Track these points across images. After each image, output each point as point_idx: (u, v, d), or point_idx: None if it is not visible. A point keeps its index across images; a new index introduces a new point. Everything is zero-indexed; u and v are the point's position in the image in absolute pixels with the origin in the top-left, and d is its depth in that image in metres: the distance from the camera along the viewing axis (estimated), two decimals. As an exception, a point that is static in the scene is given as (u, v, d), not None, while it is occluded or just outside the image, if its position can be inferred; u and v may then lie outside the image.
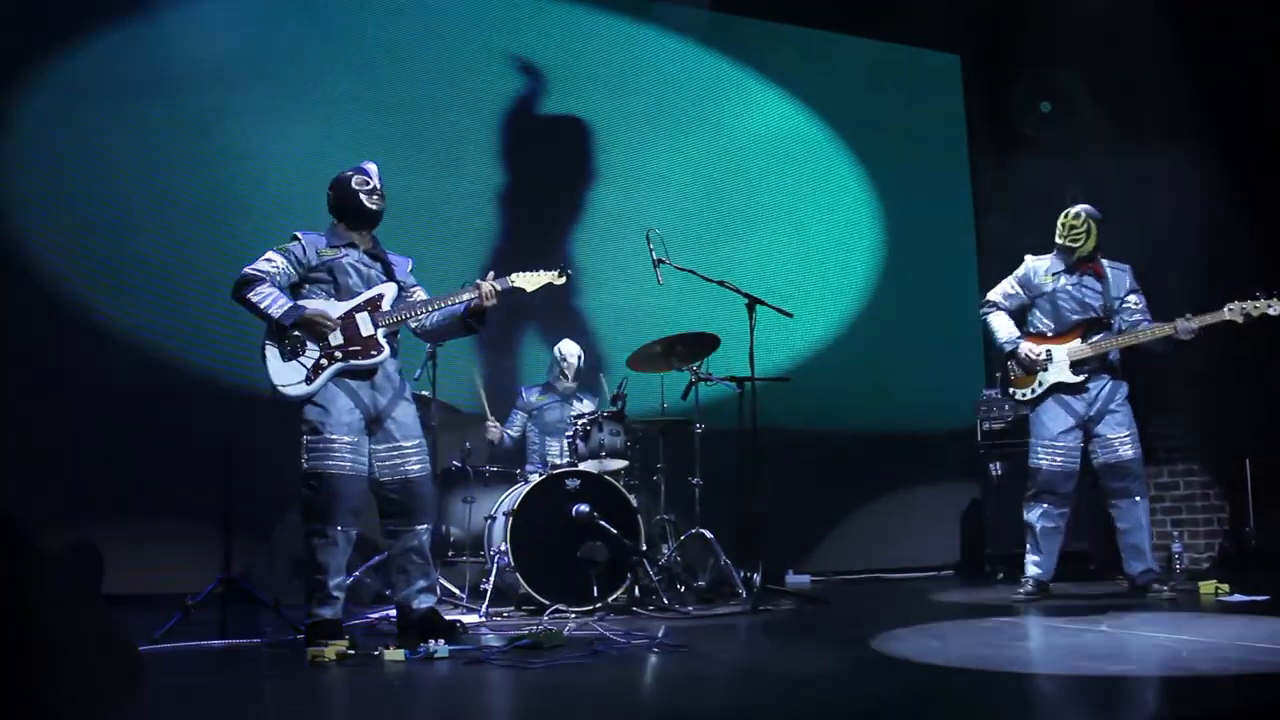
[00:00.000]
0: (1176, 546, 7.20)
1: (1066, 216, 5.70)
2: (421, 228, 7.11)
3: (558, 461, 6.23)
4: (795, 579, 7.34)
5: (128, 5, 6.69)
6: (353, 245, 4.58)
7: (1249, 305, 5.27)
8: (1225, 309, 5.32)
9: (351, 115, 7.14)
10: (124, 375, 6.42)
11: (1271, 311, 5.25)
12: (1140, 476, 5.59)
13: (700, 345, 6.05)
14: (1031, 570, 5.61)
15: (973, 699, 3.07)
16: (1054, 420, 5.60)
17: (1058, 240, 5.71)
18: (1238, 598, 5.22)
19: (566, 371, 6.70)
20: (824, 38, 8.75)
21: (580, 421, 5.96)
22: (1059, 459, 5.57)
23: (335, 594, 4.33)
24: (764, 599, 5.48)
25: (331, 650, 3.93)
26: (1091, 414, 5.59)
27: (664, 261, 5.77)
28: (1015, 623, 4.67)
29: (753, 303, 5.69)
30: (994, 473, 7.11)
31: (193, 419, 6.29)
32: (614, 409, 5.99)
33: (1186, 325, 5.35)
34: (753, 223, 8.35)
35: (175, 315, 6.61)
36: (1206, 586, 5.45)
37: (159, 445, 6.35)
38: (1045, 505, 5.60)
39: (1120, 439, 5.56)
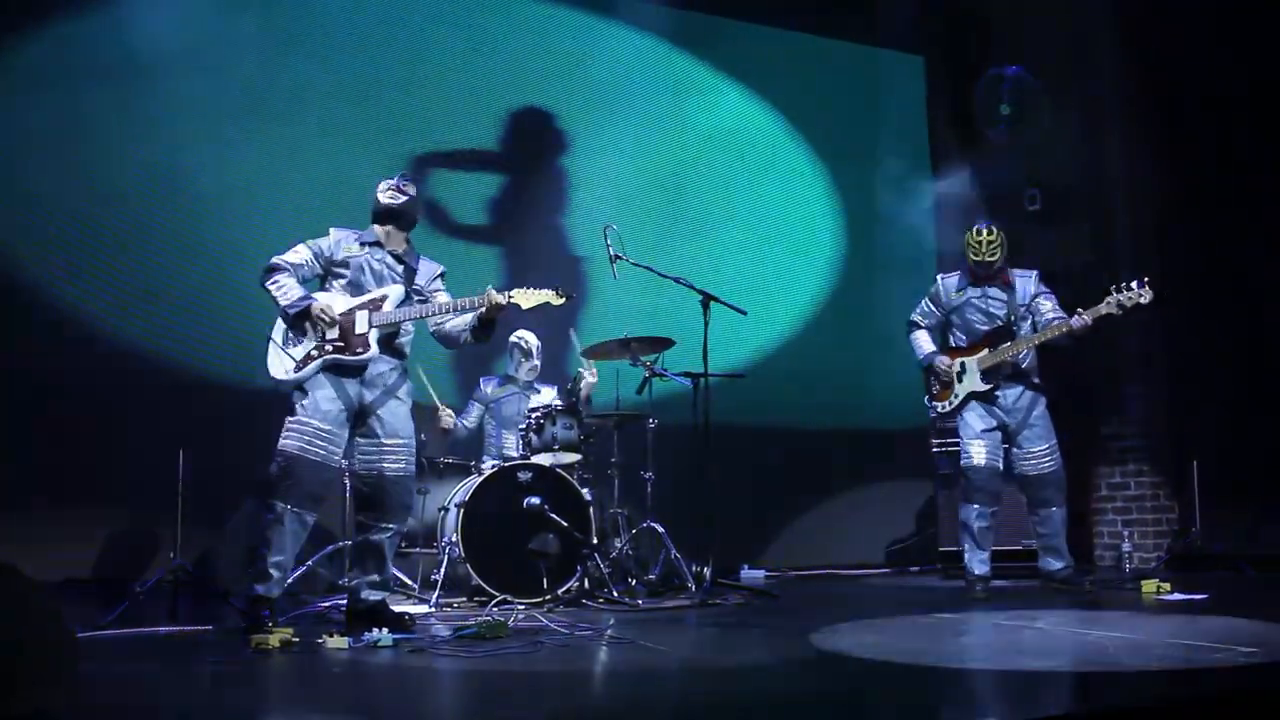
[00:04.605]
0: (1126, 546, 7.30)
1: (981, 234, 5.77)
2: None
3: (513, 454, 6.26)
4: (750, 574, 7.40)
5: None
6: (379, 245, 4.69)
7: (1123, 296, 5.41)
8: (1105, 301, 5.46)
9: (313, 104, 7.13)
10: (80, 362, 6.41)
11: (1143, 300, 5.39)
12: (1059, 486, 5.75)
13: (656, 342, 6.10)
14: (979, 569, 5.69)
15: (897, 692, 3.13)
16: (978, 420, 5.76)
17: (973, 258, 5.79)
18: (1177, 596, 5.32)
19: (526, 355, 6.66)
20: (787, 37, 8.78)
21: (534, 415, 6.00)
22: (987, 456, 5.69)
23: (272, 571, 4.36)
24: (713, 593, 5.54)
25: (275, 637, 3.97)
26: (1012, 424, 5.75)
27: (621, 257, 5.80)
28: (956, 619, 4.73)
29: (707, 299, 5.74)
30: (943, 470, 7.19)
31: (151, 407, 6.30)
32: (570, 400, 6.02)
33: (1082, 321, 5.49)
34: (711, 220, 8.37)
35: (133, 303, 6.59)
36: (1148, 585, 5.54)
37: (115, 433, 6.35)
38: (979, 505, 5.70)
39: (1041, 452, 5.73)
